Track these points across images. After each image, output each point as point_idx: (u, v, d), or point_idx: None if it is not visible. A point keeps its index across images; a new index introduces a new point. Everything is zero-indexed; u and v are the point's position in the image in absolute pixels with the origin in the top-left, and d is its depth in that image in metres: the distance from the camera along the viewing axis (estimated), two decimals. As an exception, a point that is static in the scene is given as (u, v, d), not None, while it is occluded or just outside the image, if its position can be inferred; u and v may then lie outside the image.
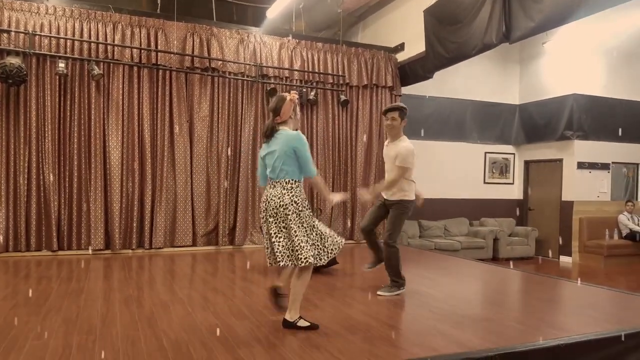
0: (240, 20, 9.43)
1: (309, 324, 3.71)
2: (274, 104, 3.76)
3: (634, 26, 9.84)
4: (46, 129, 7.23)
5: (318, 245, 3.64)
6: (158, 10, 8.44)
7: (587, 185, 10.45)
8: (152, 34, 7.78)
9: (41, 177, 7.23)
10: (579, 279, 6.31)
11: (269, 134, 3.72)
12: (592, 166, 10.48)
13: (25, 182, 7.15)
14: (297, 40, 8.90)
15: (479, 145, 11.27)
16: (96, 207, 7.42)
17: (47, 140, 7.23)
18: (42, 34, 7.14)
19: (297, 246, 3.53)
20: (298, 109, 3.84)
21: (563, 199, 10.55)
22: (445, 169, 10.68)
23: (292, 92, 3.93)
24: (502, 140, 11.52)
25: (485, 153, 11.35)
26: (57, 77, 7.20)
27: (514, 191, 11.72)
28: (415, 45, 9.05)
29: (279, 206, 3.55)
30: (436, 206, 10.48)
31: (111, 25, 7.55)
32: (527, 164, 11.58)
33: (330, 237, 3.72)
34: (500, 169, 11.53)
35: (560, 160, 10.62)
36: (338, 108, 9.17)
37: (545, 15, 6.21)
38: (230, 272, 6.67)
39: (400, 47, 9.58)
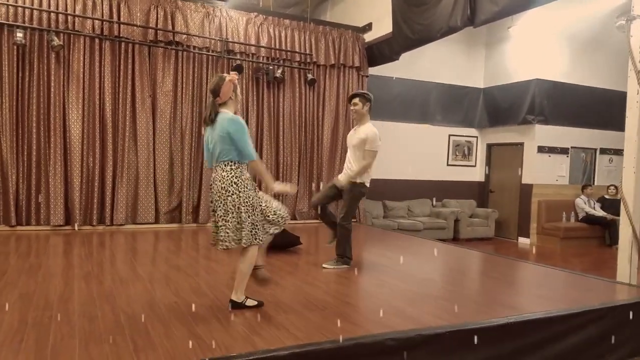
0: (207, -6, 9.22)
1: (256, 302, 3.74)
2: (213, 84, 3.67)
3: (597, 13, 10.04)
4: (3, 101, 6.99)
5: (258, 225, 3.63)
6: (121, -20, 8.20)
7: (546, 168, 10.74)
8: (114, 5, 7.56)
9: (-3, 151, 7.02)
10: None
11: (213, 117, 3.64)
12: (552, 150, 10.76)
13: (-19, 155, 6.95)
14: (264, 16, 8.79)
15: (444, 127, 11.41)
16: (55, 182, 7.27)
17: (4, 113, 7.00)
18: (-1, 1, 6.88)
19: (238, 227, 3.55)
20: (239, 90, 3.75)
21: (523, 181, 10.82)
22: (409, 151, 10.79)
23: (232, 72, 3.84)
24: (466, 123, 11.70)
25: (449, 135, 11.51)
26: (15, 47, 6.96)
27: (476, 173, 11.96)
28: (382, 26, 9.04)
29: (220, 189, 3.55)
30: (400, 187, 10.66)
31: (72, -5, 7.31)
32: (490, 147, 11.80)
33: (275, 211, 3.76)
34: (463, 151, 11.73)
35: (522, 144, 10.86)
36: (305, 87, 9.15)
37: (509, 0, 6.29)
38: (194, 250, 6.66)
39: (368, 27, 9.56)
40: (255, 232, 3.61)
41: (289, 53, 8.93)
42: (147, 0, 7.79)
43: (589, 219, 10.58)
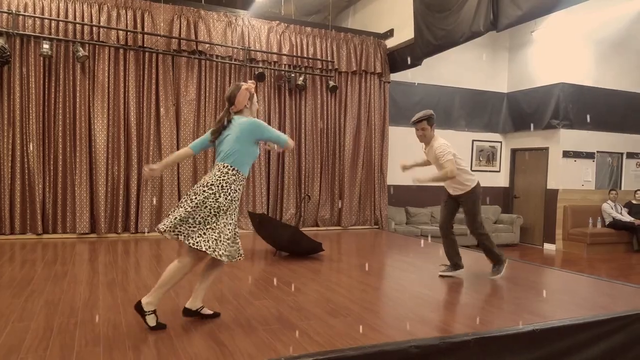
0: (229, 2, 9.32)
1: (155, 324, 3.35)
2: (228, 92, 3.56)
3: (622, 16, 9.89)
4: (30, 111, 7.15)
5: (212, 240, 3.34)
6: (145, -9, 8.33)
7: (572, 173, 10.55)
8: (138, 15, 7.70)
9: (25, 160, 7.17)
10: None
11: (225, 124, 3.49)
12: (578, 155, 10.57)
13: (9, 164, 7.10)
14: (286, 25, 8.85)
15: (467, 133, 11.30)
16: (81, 191, 7.39)
17: (31, 123, 7.15)
18: (26, 14, 7.04)
19: (196, 227, 3.31)
20: (255, 98, 3.63)
21: (548, 187, 10.65)
22: (432, 156, 10.67)
23: (249, 81, 3.77)
24: (490, 129, 11.57)
25: (473, 141, 11.40)
26: (42, 58, 7.12)
27: (501, 179, 11.81)
28: (404, 32, 9.03)
29: (204, 184, 3.35)
30: (423, 193, 10.53)
31: (97, 6, 7.45)
32: (514, 152, 11.65)
33: (226, 245, 3.41)
34: (487, 157, 11.60)
35: (546, 149, 10.70)
36: (327, 94, 9.16)
37: (533, 4, 6.23)
38: (216, 256, 6.67)
39: (390, 34, 9.55)
40: (209, 244, 3.32)
41: (310, 60, 8.96)
42: (170, 10, 7.90)
43: (616, 225, 10.37)
